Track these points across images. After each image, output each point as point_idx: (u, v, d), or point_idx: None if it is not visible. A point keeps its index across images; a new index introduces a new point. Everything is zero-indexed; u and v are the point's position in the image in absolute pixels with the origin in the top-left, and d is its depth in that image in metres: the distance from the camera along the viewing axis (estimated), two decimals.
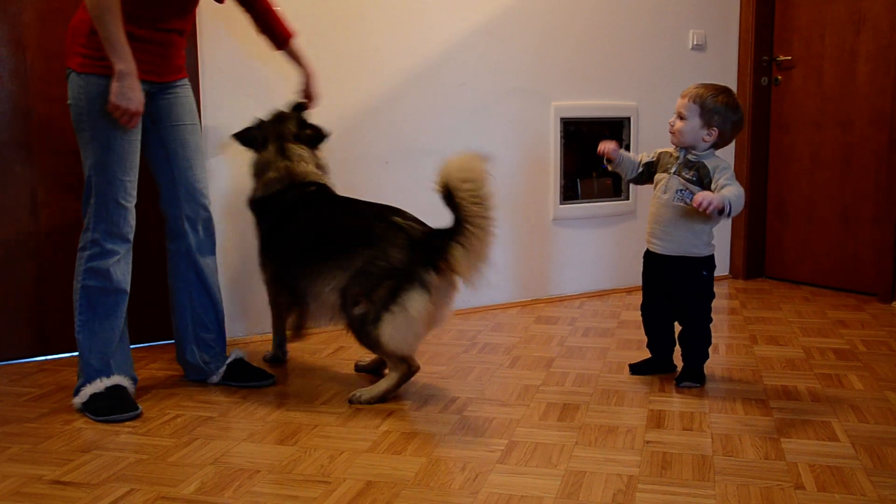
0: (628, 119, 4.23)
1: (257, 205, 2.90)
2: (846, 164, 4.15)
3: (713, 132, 2.65)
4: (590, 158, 4.26)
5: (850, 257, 4.17)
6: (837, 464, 2.10)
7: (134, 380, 2.66)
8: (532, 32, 3.91)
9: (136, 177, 2.54)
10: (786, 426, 2.37)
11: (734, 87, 4.49)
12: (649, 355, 2.92)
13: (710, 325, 2.79)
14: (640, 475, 2.05)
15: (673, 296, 2.79)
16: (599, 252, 4.26)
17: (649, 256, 2.83)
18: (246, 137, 2.95)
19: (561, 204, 4.11)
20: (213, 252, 2.80)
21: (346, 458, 2.18)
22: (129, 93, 2.36)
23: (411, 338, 2.56)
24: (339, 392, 2.73)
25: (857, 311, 3.80)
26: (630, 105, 4.22)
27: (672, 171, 2.71)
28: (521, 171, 3.97)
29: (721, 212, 2.53)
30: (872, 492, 1.94)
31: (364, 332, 2.58)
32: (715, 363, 2.99)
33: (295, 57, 2.95)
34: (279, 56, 2.96)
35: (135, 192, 2.54)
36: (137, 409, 2.53)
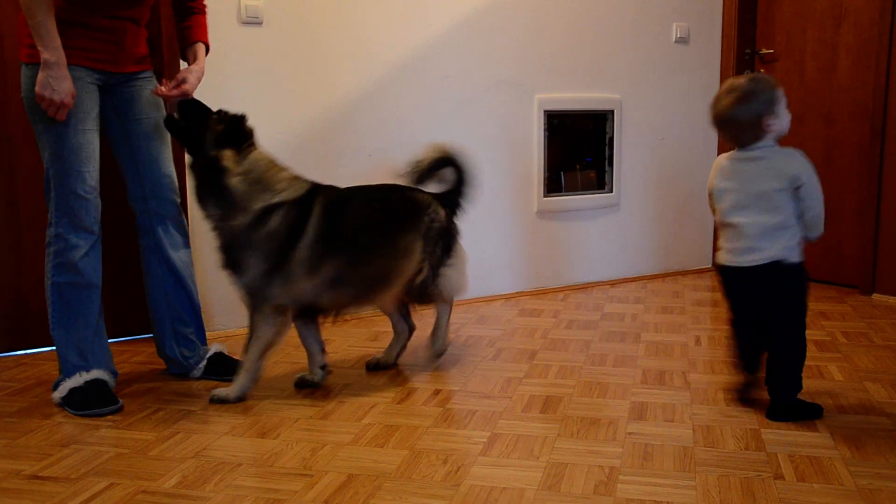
0: (612, 112, 4.24)
1: (288, 207, 2.58)
2: (828, 158, 4.17)
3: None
4: (574, 151, 4.27)
5: (833, 250, 4.19)
6: (817, 454, 2.11)
7: (114, 373, 2.64)
8: (516, 25, 3.91)
9: (96, 167, 2.49)
10: (766, 417, 2.38)
11: (717, 81, 4.51)
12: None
13: (805, 346, 2.45)
14: (622, 467, 2.06)
15: (763, 312, 2.43)
16: (583, 245, 4.26)
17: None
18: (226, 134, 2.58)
19: (545, 196, 4.11)
20: (185, 246, 2.77)
21: (328, 450, 2.18)
22: (55, 83, 2.30)
23: (465, 281, 2.94)
24: (322, 385, 2.72)
25: (838, 302, 3.82)
26: (614, 98, 4.23)
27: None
28: (505, 163, 3.97)
29: None
30: (850, 481, 1.95)
31: (427, 293, 2.82)
32: (697, 355, 3.01)
33: (195, 59, 2.70)
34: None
35: (95, 183, 2.49)
36: (118, 402, 2.51)
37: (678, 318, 3.56)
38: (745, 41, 4.47)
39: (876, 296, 3.93)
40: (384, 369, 2.92)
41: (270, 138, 3.38)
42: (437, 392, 2.65)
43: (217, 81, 3.25)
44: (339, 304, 2.69)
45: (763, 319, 2.39)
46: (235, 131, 2.55)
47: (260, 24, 3.30)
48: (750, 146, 2.36)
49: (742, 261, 2.35)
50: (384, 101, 3.62)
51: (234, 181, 2.51)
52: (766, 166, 2.33)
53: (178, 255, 2.74)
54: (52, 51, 2.30)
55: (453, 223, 2.88)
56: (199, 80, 2.65)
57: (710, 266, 4.67)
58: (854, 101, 4.03)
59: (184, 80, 2.59)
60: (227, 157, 2.52)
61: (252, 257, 2.52)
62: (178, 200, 2.73)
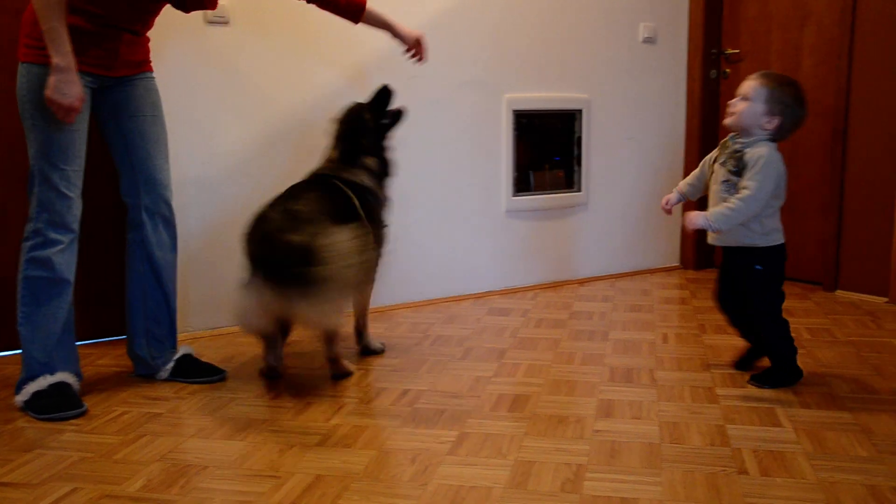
0: (580, 111, 4.26)
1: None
2: (793, 156, 4.22)
3: (774, 121, 2.56)
4: (542, 150, 4.29)
5: (797, 247, 4.24)
6: (780, 448, 2.14)
7: (79, 376, 2.61)
8: (484, 25, 3.92)
9: (82, 167, 2.51)
10: (731, 413, 2.41)
11: (684, 80, 4.55)
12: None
13: (783, 325, 2.65)
14: (589, 464, 2.07)
15: (737, 288, 2.70)
16: (552, 244, 4.28)
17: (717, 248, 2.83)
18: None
19: (514, 196, 4.12)
20: (172, 249, 2.77)
21: (296, 452, 2.17)
22: (65, 87, 2.33)
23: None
24: (289, 386, 2.72)
25: (802, 299, 3.87)
26: (582, 97, 4.25)
27: (721, 161, 2.63)
28: (474, 163, 3.98)
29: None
30: (812, 475, 1.98)
31: None
32: (664, 353, 3.03)
33: (378, 23, 3.03)
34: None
35: (79, 183, 2.51)
36: (82, 406, 2.48)
37: (646, 316, 3.59)
38: (711, 41, 4.51)
39: (839, 292, 3.99)
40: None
41: (238, 138, 3.37)
42: (405, 392, 2.65)
43: (184, 81, 3.23)
44: None
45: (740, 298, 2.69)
46: None
47: (226, 23, 3.28)
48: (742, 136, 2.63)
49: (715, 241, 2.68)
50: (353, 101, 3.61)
51: None
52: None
53: (162, 255, 2.74)
54: (63, 55, 2.32)
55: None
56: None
57: (678, 264, 4.71)
58: (817, 101, 4.08)
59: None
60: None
61: None
62: (171, 200, 2.73)
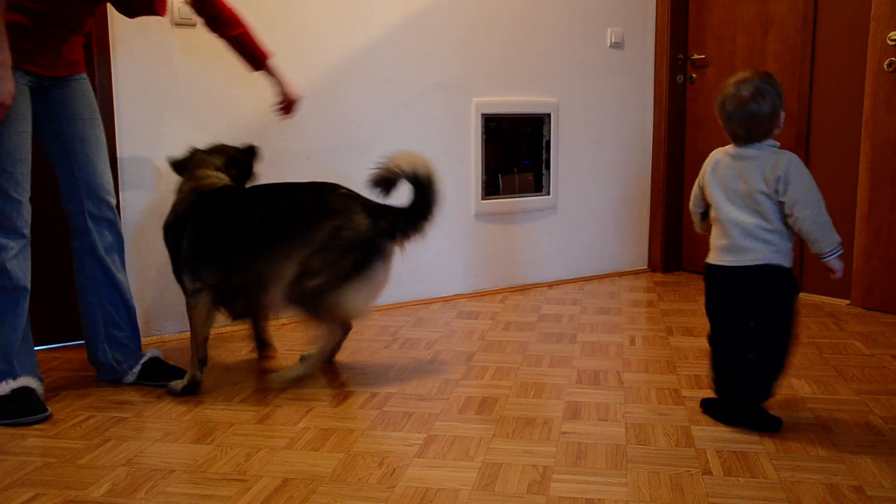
0: (549, 115, 4.29)
1: (170, 230, 2.77)
2: None
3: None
4: (511, 154, 4.32)
5: None
6: (743, 449, 2.17)
7: (41, 380, 2.57)
8: (453, 29, 3.93)
9: (28, 170, 2.45)
10: (697, 414, 2.44)
11: (651, 85, 4.60)
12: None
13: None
14: (555, 465, 2.09)
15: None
16: (521, 247, 4.30)
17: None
18: (176, 164, 2.91)
19: (483, 199, 4.14)
20: (120, 249, 2.73)
21: (263, 455, 2.16)
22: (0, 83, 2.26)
23: (369, 305, 2.71)
24: (257, 390, 2.70)
25: None
26: (550, 101, 4.28)
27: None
28: (443, 166, 3.98)
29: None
30: (774, 475, 2.01)
31: (319, 302, 2.60)
32: (632, 355, 3.06)
33: (274, 75, 2.95)
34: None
35: (27, 186, 2.45)
36: (46, 410, 2.45)
37: (614, 319, 3.62)
38: (677, 46, 4.57)
39: (803, 295, 4.05)
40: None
41: (205, 142, 3.34)
42: (373, 395, 2.65)
43: (151, 85, 3.21)
44: (232, 305, 2.82)
45: (746, 325, 2.31)
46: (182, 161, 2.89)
47: (194, 25, 3.25)
48: (750, 144, 2.28)
49: (728, 261, 2.29)
50: (321, 105, 3.61)
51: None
52: (756, 166, 2.25)
53: (112, 258, 2.70)
54: (2, 50, 2.26)
55: (381, 240, 2.66)
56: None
57: (645, 267, 4.76)
58: None
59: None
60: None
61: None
62: (114, 202, 2.69)
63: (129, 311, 2.76)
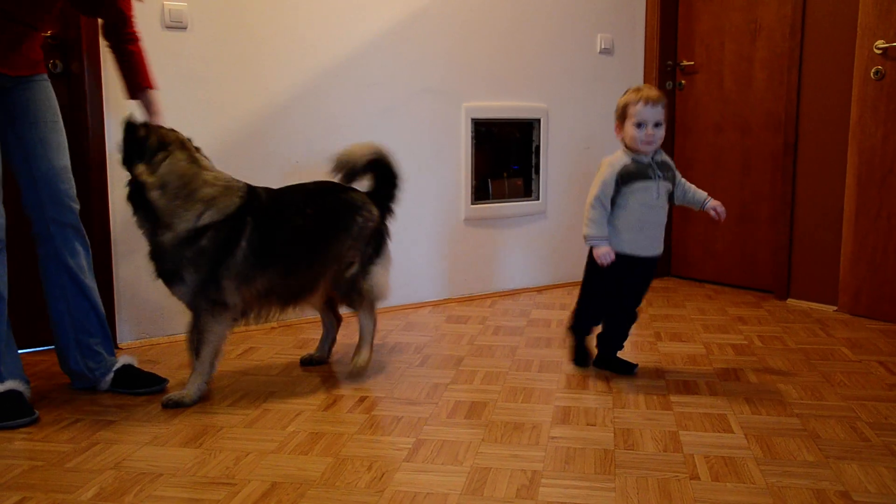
0: (538, 120, 4.30)
1: (209, 229, 2.54)
2: (745, 167, 4.32)
3: None
4: (500, 159, 4.33)
5: (750, 256, 4.34)
6: (731, 454, 2.19)
7: (28, 383, 2.56)
8: (443, 34, 3.94)
9: (0, 175, 2.43)
10: (685, 419, 2.45)
11: None
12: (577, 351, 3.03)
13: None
14: (544, 470, 2.09)
15: (628, 292, 2.91)
16: (510, 252, 4.31)
17: (626, 261, 2.78)
18: (137, 146, 2.55)
19: (472, 204, 4.15)
20: (86, 254, 2.66)
21: (252, 459, 2.16)
22: None
23: (389, 283, 2.97)
24: (247, 393, 2.70)
25: (755, 308, 3.95)
26: (540, 107, 4.29)
27: (658, 174, 2.75)
28: (433, 171, 3.99)
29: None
30: (762, 480, 2.03)
31: (357, 288, 2.85)
32: None
33: (148, 107, 2.70)
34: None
35: (0, 191, 2.41)
36: (34, 413, 2.44)
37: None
38: (666, 53, 4.59)
39: (790, 300, 4.07)
40: (318, 364, 3.03)
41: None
42: (362, 399, 2.65)
43: None
44: (267, 311, 2.77)
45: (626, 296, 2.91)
46: (138, 143, 2.53)
47: (184, 28, 3.25)
48: None
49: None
50: (310, 109, 3.61)
51: (154, 195, 2.50)
52: None
53: (78, 263, 2.62)
54: None
55: (384, 223, 2.95)
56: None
57: None
58: (768, 112, 4.18)
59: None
60: (140, 171, 2.51)
61: (185, 271, 2.54)
62: (77, 207, 2.62)
63: (100, 316, 2.70)
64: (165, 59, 3.22)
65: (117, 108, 3.16)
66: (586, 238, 2.78)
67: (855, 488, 1.98)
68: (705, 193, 2.87)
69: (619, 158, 2.77)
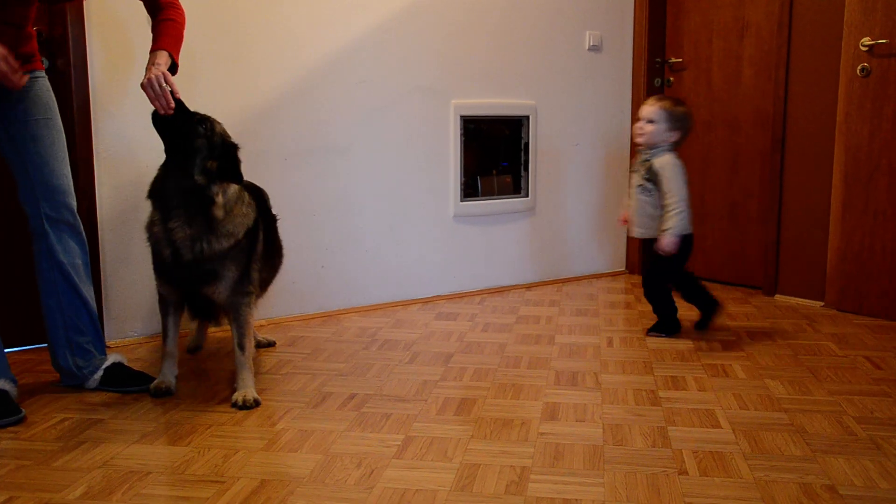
0: (527, 117, 4.31)
1: (250, 231, 2.68)
2: (734, 164, 4.33)
3: (675, 135, 3.22)
4: (490, 156, 4.33)
5: (738, 252, 4.35)
6: (719, 449, 2.20)
7: (14, 382, 2.54)
8: (432, 31, 3.94)
9: None
10: (673, 415, 2.46)
11: (629, 88, 4.63)
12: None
13: (668, 292, 3.40)
14: (533, 466, 2.10)
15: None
16: (500, 248, 4.32)
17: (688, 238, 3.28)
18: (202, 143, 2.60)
19: (461, 201, 4.15)
20: (81, 252, 2.65)
21: (241, 457, 2.15)
22: None
23: None
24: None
25: (743, 303, 3.97)
26: (529, 104, 4.30)
27: (635, 170, 3.33)
28: (422, 168, 3.99)
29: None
30: (749, 474, 2.04)
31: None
32: (609, 356, 3.08)
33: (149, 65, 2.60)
34: None
35: None
36: (20, 412, 2.43)
37: (592, 321, 3.64)
38: (655, 50, 4.60)
39: (778, 296, 4.09)
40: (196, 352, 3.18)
41: None
42: (352, 396, 2.64)
43: (129, 85, 3.18)
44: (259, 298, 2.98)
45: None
46: (230, 168, 2.60)
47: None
48: None
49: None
50: (300, 106, 3.60)
51: (218, 213, 2.55)
52: None
53: (71, 261, 2.61)
54: None
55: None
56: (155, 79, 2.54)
57: (623, 269, 4.79)
58: (756, 109, 4.20)
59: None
60: (216, 191, 2.55)
61: (227, 270, 2.60)
62: (74, 205, 2.61)
63: (91, 315, 2.69)
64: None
65: (104, 106, 3.15)
66: (677, 231, 3.17)
67: (841, 482, 1.99)
68: (669, 225, 3.17)
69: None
